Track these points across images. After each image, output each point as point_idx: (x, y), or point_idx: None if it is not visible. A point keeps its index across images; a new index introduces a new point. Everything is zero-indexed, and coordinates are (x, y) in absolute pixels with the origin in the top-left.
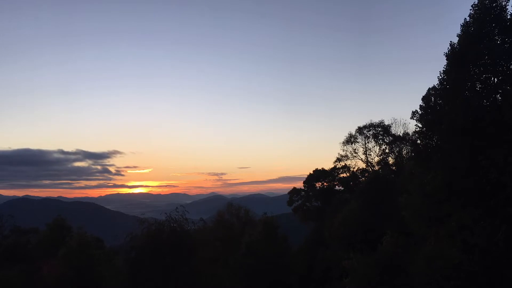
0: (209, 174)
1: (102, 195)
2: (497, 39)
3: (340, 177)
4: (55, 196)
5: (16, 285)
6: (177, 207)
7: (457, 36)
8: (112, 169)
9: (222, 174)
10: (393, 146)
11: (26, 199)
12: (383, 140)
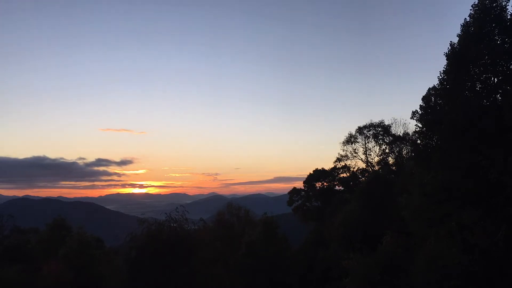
0: (204, 174)
1: (102, 195)
2: (497, 39)
3: (340, 177)
4: (55, 196)
5: (16, 285)
6: (177, 207)
7: (457, 36)
8: (113, 170)
9: (216, 174)
10: (393, 146)
11: (26, 199)
12: (383, 140)
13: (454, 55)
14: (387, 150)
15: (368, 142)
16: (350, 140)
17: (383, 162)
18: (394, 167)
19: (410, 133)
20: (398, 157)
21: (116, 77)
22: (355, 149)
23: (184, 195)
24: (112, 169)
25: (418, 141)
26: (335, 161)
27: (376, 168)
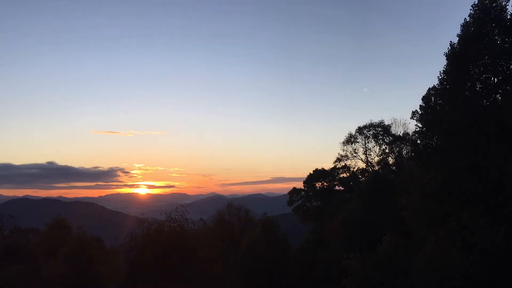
0: (199, 174)
1: (102, 195)
2: (497, 39)
3: (340, 177)
4: (55, 196)
5: (16, 285)
6: (177, 207)
7: (457, 36)
8: (114, 171)
9: (212, 174)
10: (393, 146)
11: (26, 199)
12: (383, 140)
13: (454, 55)
14: (387, 150)
15: (368, 142)
16: (350, 140)
17: (383, 162)
18: (394, 167)
19: (410, 133)
20: (398, 157)
21: (103, 80)
22: (355, 149)
23: (184, 195)
24: (110, 170)
25: (418, 141)
26: (335, 161)
27: (376, 168)
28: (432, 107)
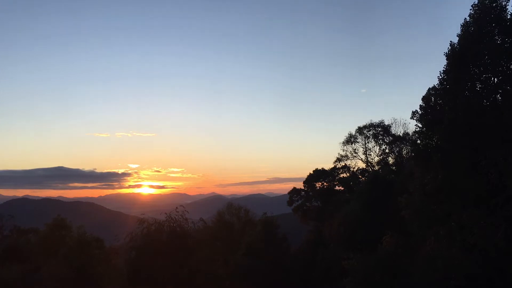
0: (198, 175)
1: (102, 195)
2: (497, 39)
3: (340, 177)
4: (55, 196)
5: (16, 285)
6: (177, 207)
7: (457, 36)
8: (113, 171)
9: (206, 175)
10: (393, 146)
11: (26, 199)
12: (383, 140)
13: (454, 55)
14: (387, 150)
15: (368, 142)
16: (350, 140)
17: (383, 162)
18: (394, 167)
19: (410, 133)
20: (398, 157)
21: (96, 81)
22: (355, 149)
23: (184, 195)
24: (109, 170)
25: (418, 141)
26: (335, 161)
27: (376, 168)
28: (432, 107)
